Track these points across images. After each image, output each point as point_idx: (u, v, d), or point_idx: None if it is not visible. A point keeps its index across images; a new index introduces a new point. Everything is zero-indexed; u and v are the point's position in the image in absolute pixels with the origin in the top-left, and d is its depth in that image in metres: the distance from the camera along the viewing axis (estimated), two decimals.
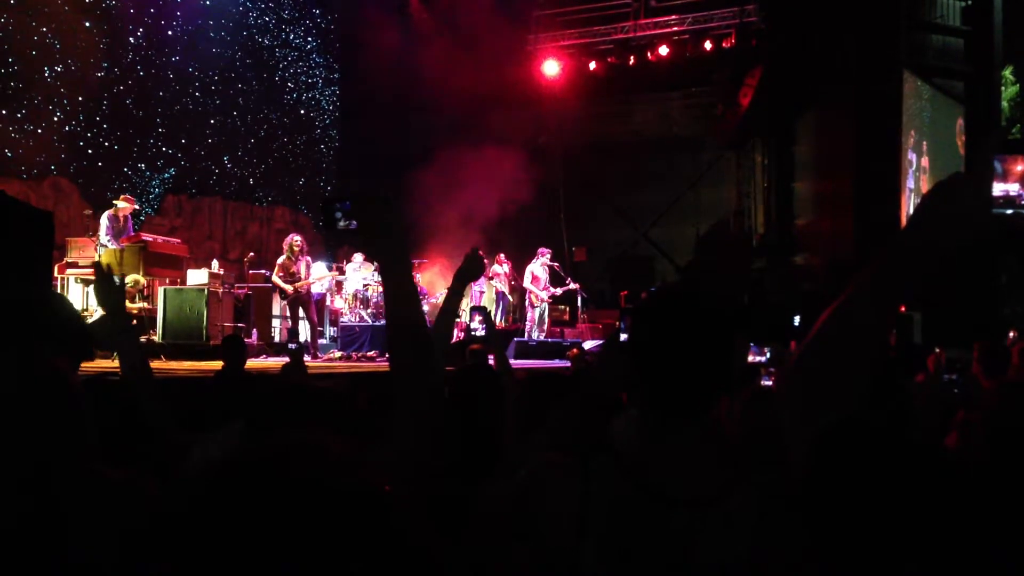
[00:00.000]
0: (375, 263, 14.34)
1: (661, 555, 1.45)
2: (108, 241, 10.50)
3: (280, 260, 11.74)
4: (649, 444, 1.55)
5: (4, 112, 13.24)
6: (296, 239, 11.86)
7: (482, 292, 15.40)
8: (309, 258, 12.21)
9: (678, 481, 1.49)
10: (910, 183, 16.43)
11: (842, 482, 1.17)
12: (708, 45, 17.12)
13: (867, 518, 1.14)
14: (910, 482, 1.16)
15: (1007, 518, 1.37)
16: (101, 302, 2.64)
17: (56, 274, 10.94)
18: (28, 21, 13.49)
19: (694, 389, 1.53)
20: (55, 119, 13.88)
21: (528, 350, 13.31)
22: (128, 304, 9.98)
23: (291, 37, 18.95)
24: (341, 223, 1.78)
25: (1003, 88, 18.54)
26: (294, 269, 11.58)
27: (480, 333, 4.29)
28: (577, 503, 1.50)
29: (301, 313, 11.80)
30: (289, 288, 11.52)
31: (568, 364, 8.34)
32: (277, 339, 13.25)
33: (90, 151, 14.51)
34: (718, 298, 1.60)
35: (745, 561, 1.42)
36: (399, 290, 1.66)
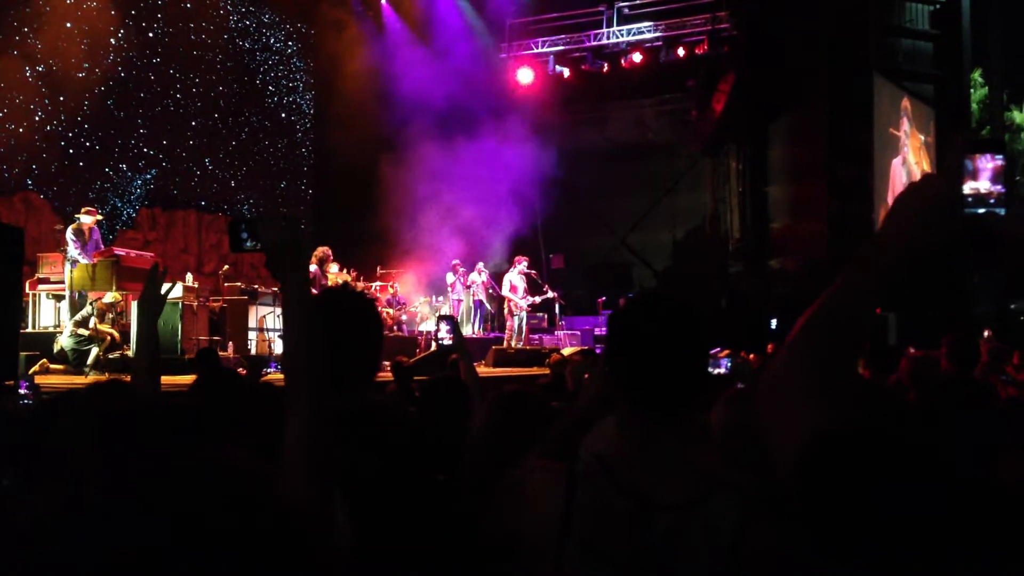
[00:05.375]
0: (347, 272, 14.29)
1: (642, 558, 1.46)
2: (79, 255, 10.32)
3: None
4: (631, 448, 1.55)
5: None
6: (323, 249, 11.75)
7: (460, 300, 15.38)
8: (337, 267, 12.12)
9: (659, 484, 1.50)
10: (903, 177, 16.61)
11: (840, 487, 1.15)
12: (681, 52, 17.21)
13: (868, 523, 1.12)
14: (914, 487, 1.15)
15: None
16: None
17: (27, 290, 10.81)
18: (11, 21, 13.47)
19: (674, 387, 1.55)
20: (36, 119, 13.82)
21: (507, 358, 13.30)
22: (100, 324, 9.88)
23: (272, 41, 18.92)
24: (247, 244, 1.80)
25: (972, 90, 18.78)
26: (312, 277, 11.47)
27: (447, 342, 4.36)
28: (562, 506, 1.51)
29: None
30: None
31: (547, 371, 8.32)
32: (254, 351, 13.13)
33: (71, 151, 14.44)
34: (694, 301, 1.63)
35: (726, 564, 1.43)
36: (298, 313, 1.65)
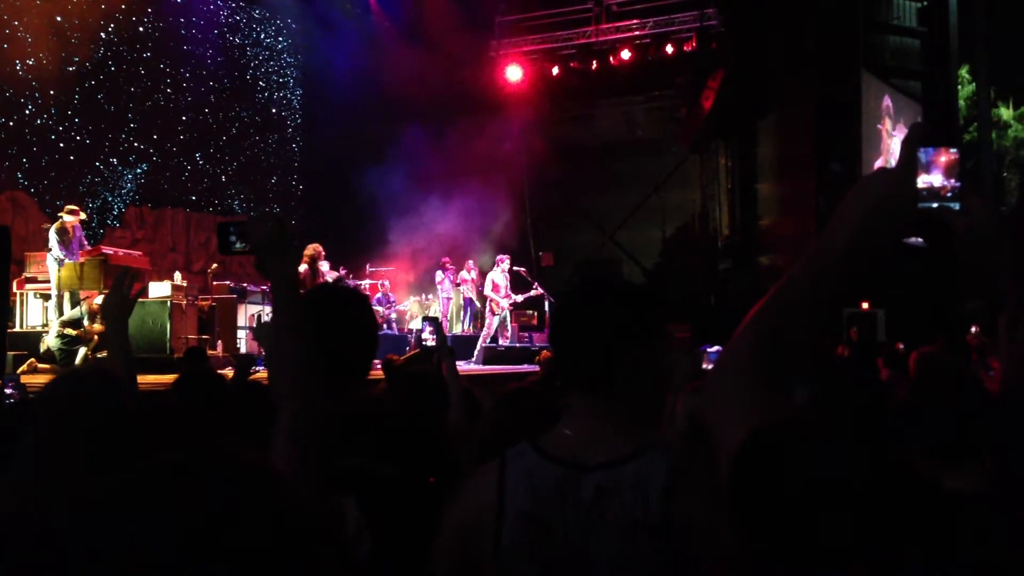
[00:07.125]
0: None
1: (575, 520, 1.54)
2: (64, 255, 10.24)
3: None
4: (567, 424, 1.67)
5: None
6: (314, 247, 11.72)
7: (449, 299, 15.38)
8: (327, 266, 12.12)
9: (588, 451, 1.59)
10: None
11: (764, 486, 1.15)
12: (669, 49, 17.23)
13: (790, 522, 1.12)
14: (837, 486, 1.14)
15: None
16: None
17: (15, 289, 10.77)
18: (1, 14, 13.39)
19: (589, 367, 1.64)
20: (26, 113, 13.74)
21: (497, 355, 13.29)
22: (90, 323, 9.84)
23: (262, 36, 18.86)
24: (236, 246, 1.78)
25: (960, 87, 18.84)
26: (302, 277, 11.40)
27: (431, 343, 4.40)
28: (495, 487, 1.61)
29: None
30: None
31: (538, 369, 8.32)
32: (243, 350, 13.09)
33: (61, 144, 14.35)
34: (631, 286, 1.77)
35: (655, 522, 1.49)
36: (287, 314, 1.65)
